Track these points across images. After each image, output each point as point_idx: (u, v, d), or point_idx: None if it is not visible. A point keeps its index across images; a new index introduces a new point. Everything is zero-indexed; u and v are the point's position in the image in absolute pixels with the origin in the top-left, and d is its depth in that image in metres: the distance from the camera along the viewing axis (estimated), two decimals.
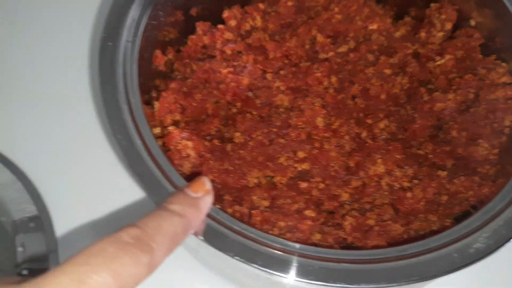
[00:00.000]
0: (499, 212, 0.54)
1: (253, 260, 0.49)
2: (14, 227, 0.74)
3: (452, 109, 0.67)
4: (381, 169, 0.61)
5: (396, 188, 0.62)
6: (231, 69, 0.70)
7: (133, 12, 0.60)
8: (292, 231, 0.57)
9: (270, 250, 0.50)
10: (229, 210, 0.60)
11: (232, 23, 0.73)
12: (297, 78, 0.69)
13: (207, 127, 0.67)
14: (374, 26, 0.75)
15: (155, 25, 0.65)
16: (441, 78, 0.68)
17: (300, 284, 0.50)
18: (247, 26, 0.73)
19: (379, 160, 0.62)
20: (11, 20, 0.70)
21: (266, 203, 0.60)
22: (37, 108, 0.70)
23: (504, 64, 0.68)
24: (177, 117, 0.67)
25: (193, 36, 0.74)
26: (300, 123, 0.65)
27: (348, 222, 0.59)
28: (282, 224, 0.57)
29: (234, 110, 0.69)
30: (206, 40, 0.72)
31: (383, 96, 0.68)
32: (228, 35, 0.72)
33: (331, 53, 0.70)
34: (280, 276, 0.49)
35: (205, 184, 0.48)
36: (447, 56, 0.69)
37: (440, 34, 0.73)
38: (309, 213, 0.59)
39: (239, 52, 0.72)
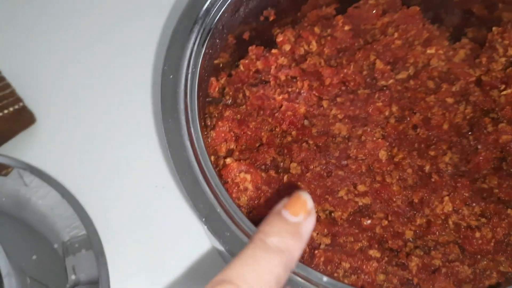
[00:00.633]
0: None
1: None
2: (64, 249, 0.74)
3: None
4: (448, 207, 0.58)
5: (464, 227, 0.59)
6: (286, 96, 0.68)
7: (192, 42, 0.59)
8: (357, 273, 0.55)
9: None
10: None
11: (286, 47, 0.71)
12: (355, 106, 0.66)
13: (262, 156, 0.65)
14: (432, 50, 0.72)
15: (212, 53, 0.64)
16: (507, 109, 0.65)
17: None
18: (301, 51, 0.71)
19: (446, 198, 0.59)
20: (73, 52, 0.69)
21: (327, 240, 0.58)
22: (97, 134, 0.69)
23: None
24: (232, 145, 0.65)
25: (245, 61, 0.72)
26: (361, 155, 0.63)
27: (414, 263, 0.57)
28: (346, 265, 0.55)
29: (289, 138, 0.67)
30: (259, 65, 0.71)
31: (445, 126, 0.66)
32: (282, 60, 0.70)
33: (391, 81, 0.67)
34: None
35: (307, 202, 0.38)
36: None
37: (503, 59, 0.70)
38: (373, 253, 0.57)
39: (294, 77, 0.70)
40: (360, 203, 0.61)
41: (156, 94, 0.55)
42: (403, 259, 0.58)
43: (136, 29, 0.62)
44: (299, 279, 0.46)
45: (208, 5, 0.61)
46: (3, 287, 0.59)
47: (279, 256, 0.33)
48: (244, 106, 0.68)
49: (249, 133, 0.66)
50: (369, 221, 0.59)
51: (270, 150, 0.65)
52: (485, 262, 0.58)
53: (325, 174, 0.63)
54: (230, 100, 0.71)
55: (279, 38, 0.71)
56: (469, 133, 0.66)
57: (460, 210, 0.59)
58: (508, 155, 0.65)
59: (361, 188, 0.61)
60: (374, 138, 0.63)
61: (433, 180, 0.61)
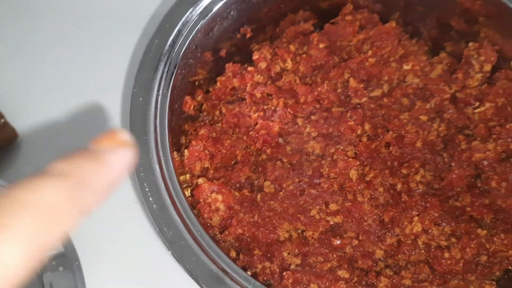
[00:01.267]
0: None
1: None
2: (42, 266, 0.74)
3: (491, 159, 0.64)
4: (418, 227, 0.59)
5: (433, 246, 0.59)
6: (261, 114, 0.69)
7: (163, 64, 0.59)
8: None
9: None
10: (259, 266, 0.59)
11: (262, 65, 0.71)
12: (329, 124, 0.67)
13: (237, 175, 0.65)
14: (408, 66, 0.72)
15: (185, 73, 0.64)
16: (480, 126, 0.65)
17: None
18: (277, 68, 0.71)
19: (416, 218, 0.59)
20: (52, 69, 0.69)
21: (297, 260, 0.59)
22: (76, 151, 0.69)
23: None
24: (206, 164, 0.66)
25: (223, 78, 0.72)
26: (333, 174, 0.63)
27: (383, 284, 0.57)
28: (314, 286, 0.55)
29: (264, 156, 0.67)
30: (235, 82, 0.71)
31: (418, 144, 0.66)
32: (258, 77, 0.71)
33: (364, 99, 0.68)
34: None
35: (119, 135, 0.31)
36: (487, 104, 0.66)
37: (479, 75, 0.70)
38: (342, 273, 0.57)
39: (269, 95, 0.70)
40: (332, 222, 0.62)
41: (125, 118, 0.55)
42: (373, 279, 0.58)
43: (107, 52, 0.63)
44: None
45: (180, 26, 0.61)
46: None
47: (62, 182, 0.26)
48: (219, 124, 0.69)
49: (224, 151, 0.66)
50: (339, 241, 0.59)
51: (244, 169, 0.66)
52: (455, 282, 0.58)
53: (298, 192, 0.63)
54: (208, 117, 0.72)
55: (255, 56, 0.72)
56: (443, 150, 0.67)
57: (430, 230, 0.59)
58: (482, 172, 0.65)
59: (332, 207, 0.62)
60: (346, 157, 0.63)
61: (403, 200, 0.61)
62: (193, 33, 0.62)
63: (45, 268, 0.76)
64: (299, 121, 0.68)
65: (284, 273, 0.56)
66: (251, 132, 0.67)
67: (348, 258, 0.59)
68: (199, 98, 0.71)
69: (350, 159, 0.63)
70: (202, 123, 0.70)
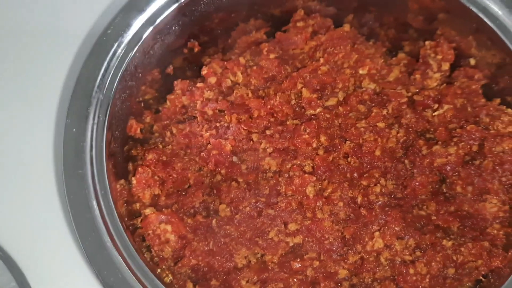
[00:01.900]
0: None
1: None
2: None
3: (454, 163, 0.61)
4: (379, 244, 0.56)
5: (398, 262, 0.56)
6: (213, 132, 0.65)
7: (96, 90, 0.55)
8: None
9: None
10: None
11: (212, 80, 0.68)
12: (284, 138, 0.64)
13: (190, 200, 0.62)
14: (364, 70, 0.69)
15: (126, 96, 0.60)
16: (440, 129, 0.63)
17: None
18: (228, 82, 0.68)
19: (377, 234, 0.56)
20: None
21: None
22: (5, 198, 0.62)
23: (510, 111, 0.62)
24: (157, 191, 0.62)
25: (172, 96, 0.69)
26: (290, 191, 0.60)
27: None
28: None
29: (219, 177, 0.64)
30: (185, 100, 0.68)
31: (377, 152, 0.63)
32: (209, 94, 0.67)
33: (319, 109, 0.65)
34: None
35: None
36: (446, 106, 0.63)
37: (437, 75, 0.68)
38: None
39: (221, 111, 0.67)
40: (292, 243, 0.58)
41: (58, 151, 0.51)
42: None
43: (36, 81, 0.58)
44: None
45: (114, 48, 0.57)
46: None
47: None
48: (170, 146, 0.65)
49: (175, 175, 0.63)
50: (298, 264, 0.56)
51: (197, 193, 0.62)
52: None
53: (255, 214, 0.60)
54: (159, 139, 0.68)
55: (204, 71, 0.68)
56: (404, 157, 0.64)
57: (392, 246, 0.56)
58: (446, 177, 0.63)
59: (292, 226, 0.59)
60: (302, 173, 0.60)
61: (363, 214, 0.58)
62: (130, 54, 0.59)
63: None
64: (254, 137, 0.65)
65: None
66: (203, 153, 0.63)
67: (309, 281, 0.56)
68: (147, 119, 0.67)
69: (306, 175, 0.60)
70: (151, 147, 0.66)
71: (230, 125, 0.66)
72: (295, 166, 0.61)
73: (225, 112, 0.66)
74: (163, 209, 0.59)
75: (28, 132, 0.55)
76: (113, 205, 0.50)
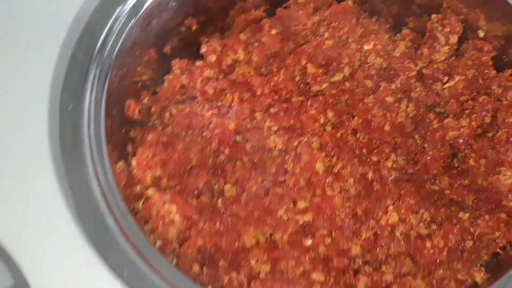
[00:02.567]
0: None
1: None
2: None
3: (467, 136, 0.59)
4: (394, 218, 0.54)
5: (413, 236, 0.54)
6: (215, 111, 0.63)
7: (94, 66, 0.53)
8: None
9: None
10: (226, 278, 0.53)
11: (212, 58, 0.65)
12: (290, 115, 0.61)
13: (194, 180, 0.59)
14: (369, 46, 0.67)
15: (123, 75, 0.58)
16: (451, 102, 0.61)
17: None
18: (228, 60, 0.66)
19: (391, 208, 0.54)
20: None
21: (266, 267, 0.53)
22: None
23: None
24: (158, 172, 0.59)
25: (170, 76, 0.66)
26: (298, 169, 0.58)
27: (363, 282, 0.52)
28: None
29: (223, 157, 0.61)
30: (184, 80, 0.65)
31: (387, 127, 0.61)
32: (209, 72, 0.65)
33: (324, 85, 0.62)
34: None
35: None
36: (457, 78, 0.61)
37: (445, 48, 0.66)
38: (317, 276, 0.52)
39: (223, 90, 0.64)
40: (301, 221, 0.56)
41: (54, 130, 0.48)
42: (351, 279, 0.53)
43: (28, 56, 0.54)
44: None
45: (110, 22, 0.55)
46: None
47: None
48: (170, 127, 0.63)
49: (177, 156, 0.60)
50: (310, 241, 0.54)
51: (201, 173, 0.59)
52: (441, 272, 0.53)
53: (262, 193, 0.58)
54: (158, 121, 0.66)
55: (203, 49, 0.66)
56: (414, 131, 0.62)
57: (407, 219, 0.54)
58: (458, 151, 0.61)
59: (301, 204, 0.56)
60: (310, 150, 0.58)
61: (375, 189, 0.56)
62: (127, 29, 0.56)
63: None
64: (258, 115, 0.62)
65: (252, 283, 0.50)
66: (205, 132, 0.61)
67: (322, 259, 0.54)
68: (145, 100, 0.64)
69: (315, 151, 0.57)
70: (150, 128, 0.63)
71: (232, 104, 0.63)
72: (302, 143, 0.59)
73: (227, 91, 0.64)
74: (166, 189, 0.56)
75: (20, 110, 0.52)
76: (114, 184, 0.47)
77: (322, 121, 0.60)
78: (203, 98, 0.64)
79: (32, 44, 0.55)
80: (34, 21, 0.56)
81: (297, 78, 0.63)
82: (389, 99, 0.61)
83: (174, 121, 0.63)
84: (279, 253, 0.54)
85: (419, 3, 0.70)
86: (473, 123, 0.59)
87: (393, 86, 0.63)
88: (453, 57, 0.65)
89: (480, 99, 0.59)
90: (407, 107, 0.62)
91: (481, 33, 0.65)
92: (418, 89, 0.62)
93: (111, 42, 0.54)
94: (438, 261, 0.52)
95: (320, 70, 0.62)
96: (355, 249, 0.54)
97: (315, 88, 0.62)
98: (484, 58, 0.63)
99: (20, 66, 0.55)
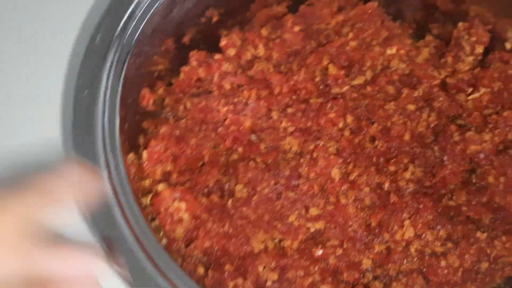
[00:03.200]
0: None
1: None
2: None
3: (488, 151, 0.57)
4: (410, 232, 0.52)
5: (428, 254, 0.52)
6: (231, 107, 0.61)
7: (113, 52, 0.51)
8: None
9: None
10: (231, 284, 0.51)
11: (231, 52, 0.63)
12: (307, 117, 0.59)
13: (204, 178, 0.57)
14: (393, 50, 0.65)
15: (141, 62, 0.56)
16: (475, 115, 0.59)
17: None
18: (248, 55, 0.63)
19: (407, 222, 0.53)
20: None
21: (274, 275, 0.51)
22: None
23: None
24: (169, 167, 0.58)
25: (186, 68, 0.64)
26: (313, 174, 0.56)
27: None
28: None
29: (235, 156, 0.59)
30: (201, 72, 0.63)
31: (406, 137, 0.59)
32: (227, 66, 0.62)
33: (345, 87, 0.60)
34: None
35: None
36: (482, 90, 0.59)
37: (470, 58, 0.64)
38: None
39: (240, 86, 0.62)
40: (313, 229, 0.54)
41: (67, 115, 0.46)
42: None
43: (45, 35, 0.52)
44: None
45: (133, 7, 0.53)
46: None
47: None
48: (184, 120, 0.61)
49: (189, 151, 0.58)
50: (320, 251, 0.52)
51: (213, 171, 0.58)
52: None
53: (274, 196, 0.56)
54: (171, 113, 0.64)
55: (223, 42, 0.64)
56: (434, 143, 0.60)
57: (423, 235, 0.53)
58: (477, 166, 0.59)
59: (313, 211, 0.55)
60: (327, 155, 0.56)
61: (392, 200, 0.54)
62: (149, 15, 0.54)
63: None
64: (274, 114, 0.60)
65: None
66: (219, 129, 0.59)
67: (332, 270, 0.52)
68: (160, 91, 0.62)
69: (332, 156, 0.56)
70: (163, 120, 0.61)
71: (249, 101, 0.61)
72: (318, 147, 0.57)
73: (244, 87, 0.62)
74: (177, 186, 0.55)
75: (33, 91, 0.50)
76: (125, 177, 0.45)
77: (341, 125, 0.58)
78: (219, 93, 0.62)
79: (51, 25, 0.52)
80: (54, 2, 0.54)
81: (317, 79, 0.61)
82: (411, 107, 0.60)
83: (188, 115, 0.61)
84: (288, 261, 0.52)
85: (443, 10, 0.68)
86: (496, 138, 0.57)
87: (415, 94, 0.61)
88: (478, 68, 0.63)
89: (505, 113, 0.58)
90: (429, 116, 0.60)
91: (508, 45, 0.63)
92: (441, 99, 0.60)
93: (131, 28, 0.52)
94: (451, 281, 0.50)
95: (342, 72, 0.60)
96: (366, 263, 0.53)
97: (335, 90, 0.60)
98: (510, 71, 0.61)
99: (37, 48, 0.53)
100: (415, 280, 0.51)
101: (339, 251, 0.53)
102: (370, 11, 0.65)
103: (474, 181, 0.58)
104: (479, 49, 0.64)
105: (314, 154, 0.57)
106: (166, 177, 0.57)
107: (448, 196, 0.57)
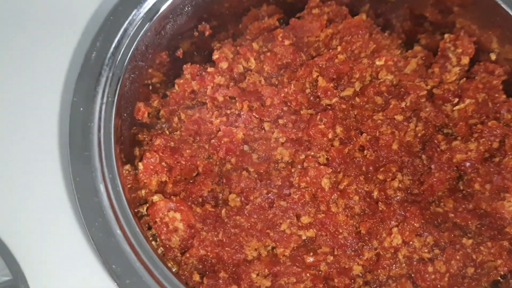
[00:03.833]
0: None
1: None
2: None
3: (474, 159, 0.59)
4: (397, 240, 0.53)
5: (416, 260, 0.54)
6: (224, 119, 0.62)
7: (107, 69, 0.52)
8: None
9: None
10: None
11: (224, 65, 0.65)
12: (298, 128, 0.61)
13: (198, 188, 0.59)
14: (381, 61, 0.67)
15: (135, 77, 0.57)
16: (460, 124, 0.60)
17: None
18: (240, 68, 0.65)
19: (395, 229, 0.54)
20: None
21: (267, 282, 0.53)
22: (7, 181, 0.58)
23: None
24: (164, 177, 0.59)
25: (181, 80, 0.66)
26: (303, 183, 0.58)
27: None
28: None
29: (229, 166, 0.61)
30: (195, 85, 0.65)
31: (395, 146, 0.61)
32: (219, 79, 0.64)
33: (335, 99, 0.62)
34: None
35: None
36: (467, 100, 0.61)
37: (456, 69, 0.66)
38: None
39: (232, 98, 0.64)
40: (304, 237, 0.56)
41: (63, 131, 0.47)
42: None
43: (42, 56, 0.54)
44: None
45: (125, 25, 0.54)
46: None
47: None
48: (178, 132, 0.62)
49: (184, 162, 0.60)
50: (312, 258, 0.53)
51: (207, 181, 0.59)
52: None
53: (266, 205, 0.57)
54: (166, 125, 0.65)
55: (215, 55, 0.65)
56: (421, 152, 0.62)
57: (411, 242, 0.54)
58: (464, 174, 0.60)
59: (304, 219, 0.56)
60: (317, 164, 0.58)
61: (380, 209, 0.56)
62: (142, 32, 0.56)
63: None
64: (266, 125, 0.62)
65: None
66: (213, 140, 0.61)
67: (323, 277, 0.53)
68: (154, 103, 0.64)
69: (322, 166, 0.57)
70: (158, 132, 0.63)
71: (241, 113, 0.63)
72: (309, 157, 0.59)
73: (236, 99, 0.64)
74: (171, 196, 0.56)
75: (32, 110, 0.51)
76: (121, 189, 0.47)
77: (330, 136, 0.60)
78: (212, 105, 0.64)
79: (46, 44, 0.54)
80: (50, 22, 0.56)
81: (308, 91, 0.63)
82: (399, 117, 0.61)
83: (182, 126, 0.62)
84: (280, 268, 0.54)
85: (431, 20, 0.70)
86: (481, 147, 0.59)
87: (403, 104, 0.62)
88: (464, 79, 0.65)
89: (489, 123, 0.59)
90: (416, 126, 0.61)
91: (493, 56, 0.65)
92: (427, 109, 0.62)
93: (124, 46, 0.54)
94: (439, 286, 0.52)
95: (331, 84, 0.62)
96: (357, 269, 0.54)
97: (325, 101, 0.62)
98: (494, 82, 0.63)
99: (34, 66, 0.54)
100: (404, 285, 0.53)
101: (330, 258, 0.54)
102: (358, 23, 0.66)
103: (461, 188, 0.60)
104: (465, 60, 0.66)
105: (305, 164, 0.58)
106: (161, 188, 0.58)
107: (435, 203, 0.59)
